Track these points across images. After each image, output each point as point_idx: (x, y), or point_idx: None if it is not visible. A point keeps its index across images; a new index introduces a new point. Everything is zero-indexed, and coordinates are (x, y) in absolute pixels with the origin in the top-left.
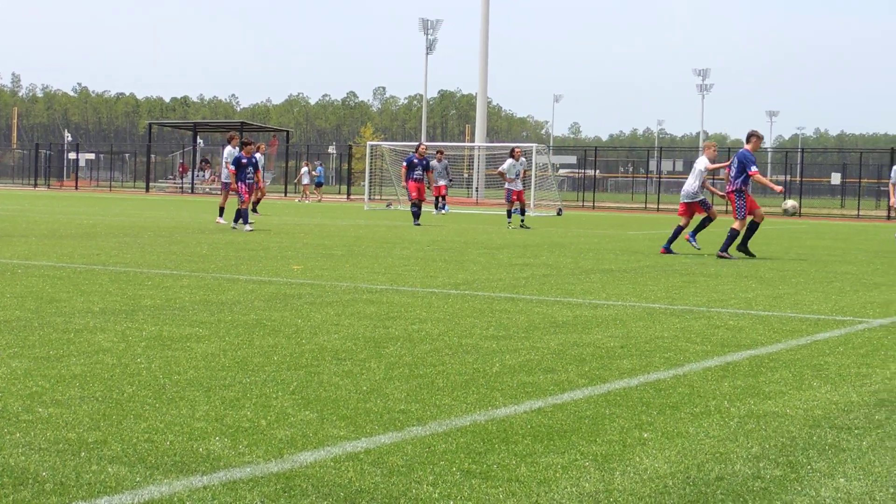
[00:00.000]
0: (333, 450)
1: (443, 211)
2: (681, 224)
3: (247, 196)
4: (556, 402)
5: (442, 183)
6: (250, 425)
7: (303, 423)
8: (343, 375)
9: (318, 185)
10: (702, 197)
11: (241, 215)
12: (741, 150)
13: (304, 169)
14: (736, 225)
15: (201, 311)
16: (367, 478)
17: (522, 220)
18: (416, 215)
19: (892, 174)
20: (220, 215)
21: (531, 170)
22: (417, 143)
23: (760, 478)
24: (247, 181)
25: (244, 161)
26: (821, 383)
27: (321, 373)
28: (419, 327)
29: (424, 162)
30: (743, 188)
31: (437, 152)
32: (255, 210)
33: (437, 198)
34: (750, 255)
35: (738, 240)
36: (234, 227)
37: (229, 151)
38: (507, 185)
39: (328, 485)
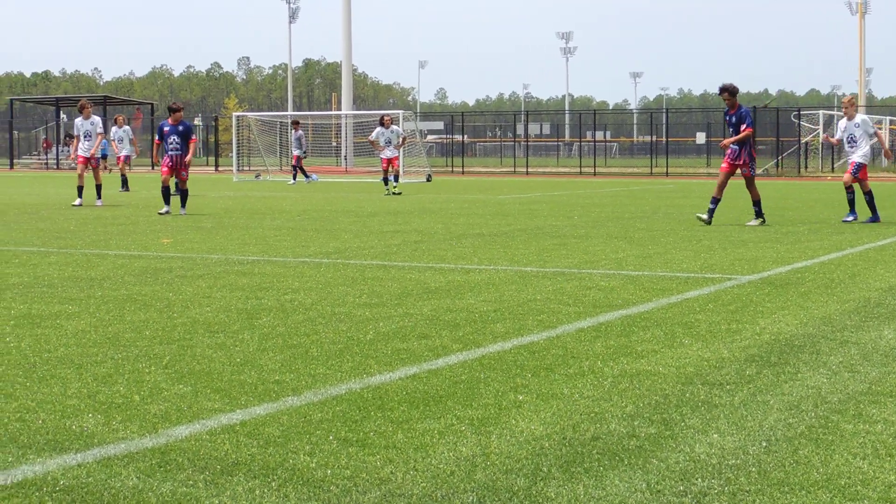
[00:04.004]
0: (208, 423)
1: (293, 182)
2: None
3: (167, 171)
4: (430, 368)
5: (295, 153)
6: (123, 401)
7: (177, 396)
8: (216, 348)
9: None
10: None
11: (181, 196)
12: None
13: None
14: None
15: (70, 287)
16: (244, 449)
17: (395, 187)
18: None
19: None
20: (80, 195)
21: (409, 136)
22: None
23: (635, 436)
24: (170, 152)
25: (167, 129)
26: (692, 341)
27: (194, 346)
28: (292, 297)
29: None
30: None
31: (293, 123)
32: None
33: (293, 167)
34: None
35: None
36: (181, 213)
37: (80, 123)
38: (379, 154)
39: (204, 458)
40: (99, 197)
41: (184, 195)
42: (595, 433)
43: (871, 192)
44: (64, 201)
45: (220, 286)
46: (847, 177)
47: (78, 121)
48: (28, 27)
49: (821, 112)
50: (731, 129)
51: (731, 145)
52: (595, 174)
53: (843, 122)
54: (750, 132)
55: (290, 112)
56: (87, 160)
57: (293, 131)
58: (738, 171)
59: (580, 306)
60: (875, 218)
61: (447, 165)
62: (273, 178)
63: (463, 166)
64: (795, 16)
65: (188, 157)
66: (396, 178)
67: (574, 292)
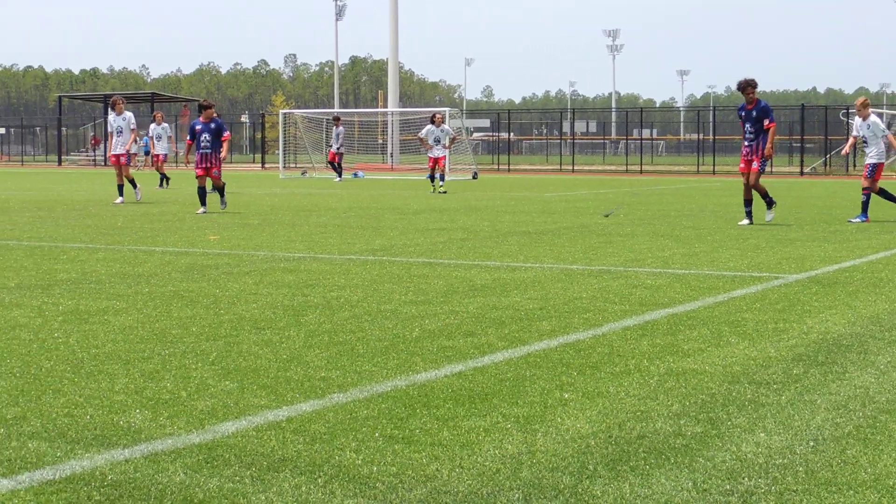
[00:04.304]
0: (255, 419)
1: (339, 179)
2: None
3: (201, 171)
4: (476, 366)
5: (334, 149)
6: (171, 397)
7: (223, 393)
8: (262, 345)
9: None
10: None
11: (218, 192)
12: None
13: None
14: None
15: (118, 283)
16: (290, 446)
17: (441, 186)
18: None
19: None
20: (121, 193)
21: (459, 135)
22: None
23: (681, 435)
24: (201, 151)
25: (198, 128)
26: (739, 339)
27: (240, 342)
28: (338, 294)
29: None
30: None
31: (334, 119)
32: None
33: (330, 164)
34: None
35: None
36: (222, 208)
37: (113, 119)
38: (427, 152)
39: (250, 454)
40: (135, 187)
41: (220, 191)
42: (641, 432)
43: (869, 193)
44: (112, 198)
45: (266, 283)
46: (863, 181)
47: (111, 117)
48: (77, 24)
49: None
50: (748, 125)
51: (749, 142)
52: (641, 172)
53: (857, 121)
54: (774, 127)
55: (336, 109)
56: (119, 157)
57: (335, 127)
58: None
59: (626, 304)
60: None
61: (493, 163)
62: (319, 175)
63: (509, 164)
64: (843, 13)
65: (223, 153)
66: (443, 178)
67: (620, 290)
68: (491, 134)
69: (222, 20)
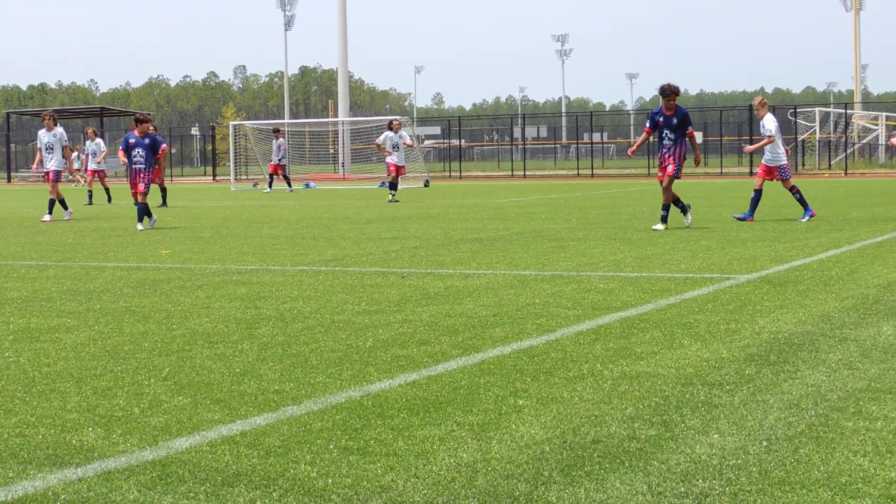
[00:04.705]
0: (209, 434)
1: (287, 190)
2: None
3: (136, 186)
4: (430, 374)
5: (276, 161)
6: (123, 414)
7: (177, 408)
8: (216, 359)
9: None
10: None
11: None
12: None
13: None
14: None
15: (69, 300)
16: (244, 460)
17: (393, 195)
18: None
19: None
20: (50, 211)
21: (412, 142)
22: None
23: (636, 438)
24: (133, 166)
25: (132, 141)
26: (691, 341)
27: (193, 357)
28: (291, 306)
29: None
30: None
31: (274, 131)
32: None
33: (270, 176)
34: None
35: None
36: (150, 225)
37: (42, 135)
38: (386, 158)
39: (205, 469)
40: (65, 208)
41: (141, 210)
42: (595, 436)
43: (756, 192)
44: (61, 214)
45: (218, 296)
46: (784, 183)
47: (41, 133)
48: (24, 39)
49: (817, 109)
50: (667, 131)
51: (668, 145)
52: (593, 176)
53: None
54: (693, 134)
55: (286, 120)
56: (50, 174)
57: (275, 139)
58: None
59: (579, 309)
60: (748, 215)
61: (445, 170)
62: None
63: (460, 171)
64: (791, 13)
65: (161, 170)
66: (393, 187)
67: (573, 295)
68: (442, 141)
69: (171, 33)
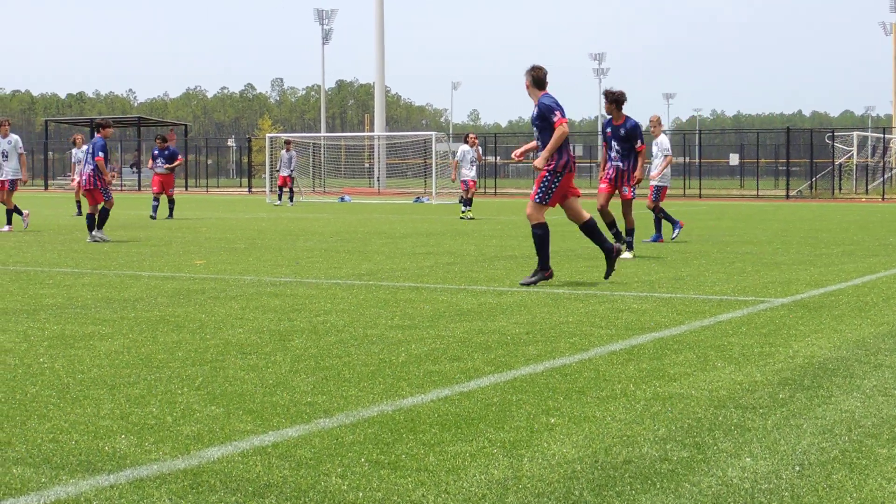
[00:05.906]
0: (240, 444)
1: (288, 204)
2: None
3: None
4: (462, 390)
5: (284, 174)
6: (156, 422)
7: (209, 418)
8: (248, 369)
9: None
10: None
11: (101, 218)
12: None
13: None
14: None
15: (104, 308)
16: (276, 471)
17: (468, 211)
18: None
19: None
20: (9, 222)
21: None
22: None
23: (668, 460)
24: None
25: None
26: (725, 364)
27: (226, 367)
28: (324, 319)
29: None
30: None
31: (285, 142)
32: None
33: (280, 188)
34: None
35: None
36: (100, 238)
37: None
38: (462, 175)
39: (236, 479)
40: (21, 213)
41: (90, 219)
42: (627, 457)
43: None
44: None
45: (252, 307)
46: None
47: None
48: (63, 48)
49: (854, 133)
50: (615, 142)
51: (617, 163)
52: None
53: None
54: (644, 149)
55: (322, 133)
56: (4, 183)
57: (284, 151)
58: (618, 192)
59: (612, 329)
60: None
61: (480, 187)
62: (307, 199)
63: (496, 187)
64: (830, 37)
65: (107, 177)
66: (469, 203)
67: (606, 314)
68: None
69: (209, 44)
